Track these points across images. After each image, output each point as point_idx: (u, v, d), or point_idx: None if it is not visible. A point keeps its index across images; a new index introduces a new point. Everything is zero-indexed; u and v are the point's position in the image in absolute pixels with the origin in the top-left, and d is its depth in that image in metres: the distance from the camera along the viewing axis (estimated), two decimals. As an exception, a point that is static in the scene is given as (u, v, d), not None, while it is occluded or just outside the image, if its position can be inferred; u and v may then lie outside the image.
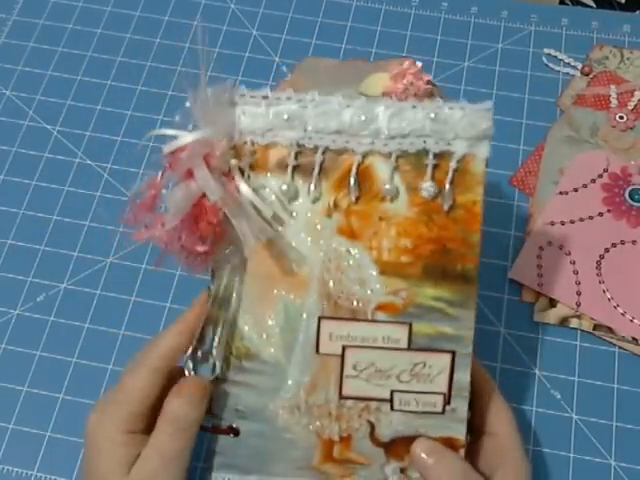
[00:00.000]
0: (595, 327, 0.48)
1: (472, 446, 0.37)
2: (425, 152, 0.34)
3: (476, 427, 0.38)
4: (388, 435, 0.36)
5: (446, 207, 0.34)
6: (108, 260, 0.51)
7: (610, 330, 0.48)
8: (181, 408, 0.34)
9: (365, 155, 0.34)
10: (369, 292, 0.35)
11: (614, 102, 0.55)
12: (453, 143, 0.34)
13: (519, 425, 0.39)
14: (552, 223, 0.51)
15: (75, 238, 0.52)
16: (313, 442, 0.37)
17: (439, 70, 0.58)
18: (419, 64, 0.37)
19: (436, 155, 0.34)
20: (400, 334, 0.35)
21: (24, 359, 0.48)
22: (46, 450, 0.46)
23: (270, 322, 0.35)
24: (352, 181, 0.34)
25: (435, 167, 0.34)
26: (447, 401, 0.35)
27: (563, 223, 0.51)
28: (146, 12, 0.62)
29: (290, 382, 0.36)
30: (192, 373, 0.35)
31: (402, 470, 0.37)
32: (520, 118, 0.55)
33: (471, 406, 0.36)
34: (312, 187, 0.34)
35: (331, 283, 0.35)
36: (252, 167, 0.34)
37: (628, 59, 0.58)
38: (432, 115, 0.33)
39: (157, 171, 0.33)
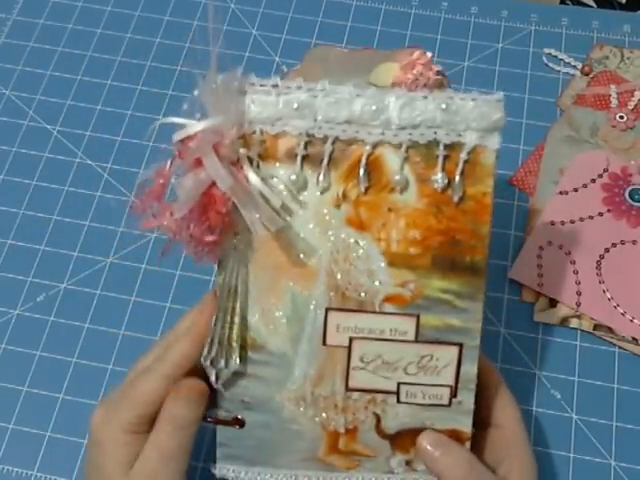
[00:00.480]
0: (595, 327, 0.48)
1: (478, 438, 0.37)
2: (436, 143, 0.33)
3: (482, 419, 0.38)
4: (394, 427, 0.36)
5: (456, 199, 0.34)
6: (108, 260, 0.51)
7: (610, 330, 0.47)
8: (179, 409, 0.35)
9: (375, 145, 0.34)
10: (377, 283, 0.35)
11: (614, 102, 0.55)
12: (464, 134, 0.33)
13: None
14: (552, 223, 0.51)
15: (75, 238, 0.52)
16: (319, 434, 0.37)
17: (439, 70, 0.58)
18: (429, 54, 0.36)
19: (447, 146, 0.33)
20: (408, 326, 0.35)
21: (24, 359, 0.48)
22: (46, 450, 0.46)
23: (277, 313, 0.35)
24: (362, 172, 0.34)
25: (445, 158, 0.34)
26: (454, 394, 0.35)
27: (563, 223, 0.51)
28: (146, 12, 0.62)
29: (296, 373, 0.36)
30: (211, 371, 0.35)
31: (408, 462, 0.37)
32: (520, 118, 0.55)
33: (477, 398, 0.36)
34: (321, 177, 0.34)
35: (339, 274, 0.35)
36: (261, 156, 0.34)
37: (628, 59, 0.57)
38: (443, 106, 0.33)
39: (165, 160, 0.33)
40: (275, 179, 0.34)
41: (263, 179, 0.33)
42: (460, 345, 0.35)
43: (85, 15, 0.62)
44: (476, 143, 0.33)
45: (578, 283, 0.49)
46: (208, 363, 0.35)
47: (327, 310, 0.35)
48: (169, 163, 0.33)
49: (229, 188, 0.31)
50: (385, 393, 0.36)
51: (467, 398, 0.36)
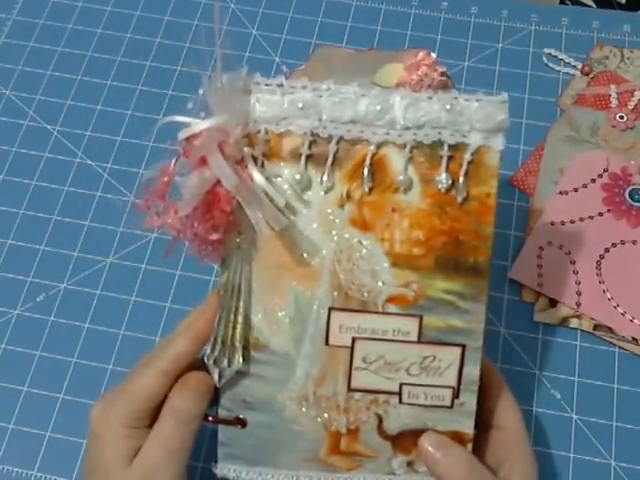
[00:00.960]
0: (595, 327, 0.48)
1: (479, 439, 0.37)
2: (440, 143, 0.34)
3: (483, 421, 0.38)
4: (396, 428, 0.36)
5: (460, 199, 0.34)
6: (108, 260, 0.51)
7: (610, 330, 0.47)
8: (184, 403, 0.35)
9: (379, 145, 0.34)
10: (380, 284, 0.35)
11: (614, 102, 0.55)
12: (468, 135, 0.33)
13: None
14: (552, 223, 0.51)
15: (75, 238, 0.52)
16: (320, 434, 0.37)
17: (439, 70, 0.58)
18: (433, 55, 0.36)
19: (451, 147, 0.34)
20: (410, 327, 0.35)
21: (24, 359, 0.48)
22: (46, 450, 0.46)
23: (280, 313, 0.35)
24: (366, 171, 0.34)
25: (450, 159, 0.34)
26: (456, 395, 0.35)
27: (563, 223, 0.51)
28: (146, 12, 0.62)
29: (299, 373, 0.36)
30: (214, 370, 0.35)
31: (409, 463, 0.37)
32: (520, 118, 0.55)
33: (479, 400, 0.36)
34: (325, 177, 0.34)
35: (342, 274, 0.35)
36: (266, 156, 0.34)
37: (628, 59, 0.57)
38: (448, 106, 0.33)
39: (168, 159, 0.33)
40: (279, 178, 0.34)
41: (267, 178, 0.33)
42: (463, 346, 0.35)
43: (85, 15, 0.62)
44: (480, 144, 0.33)
45: (578, 283, 0.49)
46: (211, 362, 0.35)
47: (330, 310, 0.35)
48: (173, 161, 0.33)
49: (234, 187, 0.32)
50: (387, 394, 0.36)
51: (469, 399, 0.36)
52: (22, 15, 0.62)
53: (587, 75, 0.57)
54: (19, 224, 0.53)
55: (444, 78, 0.36)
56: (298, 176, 0.34)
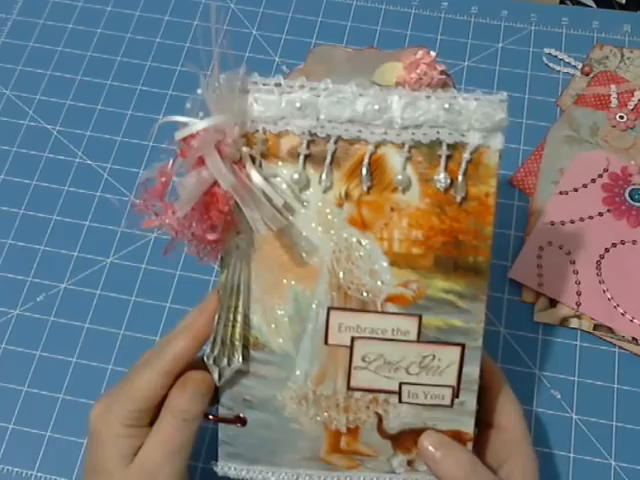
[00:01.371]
0: (595, 327, 0.48)
1: (480, 439, 0.37)
2: (439, 143, 0.33)
3: (484, 420, 0.38)
4: (396, 427, 0.36)
5: (459, 199, 0.34)
6: (108, 260, 0.51)
7: (610, 330, 0.47)
8: (185, 402, 0.35)
9: (378, 145, 0.34)
10: (379, 283, 0.35)
11: (614, 102, 0.55)
12: (467, 134, 0.33)
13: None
14: (552, 223, 0.51)
15: (75, 238, 0.52)
16: (320, 433, 0.37)
17: (439, 70, 0.58)
18: (433, 54, 0.36)
19: (449, 146, 0.33)
20: (410, 326, 0.35)
21: (24, 359, 0.48)
22: (46, 450, 0.46)
23: (279, 312, 0.35)
24: (364, 171, 0.34)
25: (448, 158, 0.34)
26: (456, 394, 0.35)
27: (563, 223, 0.51)
28: (146, 12, 0.62)
29: (298, 372, 0.36)
30: (214, 370, 0.35)
31: (409, 462, 0.37)
32: (520, 118, 0.55)
33: (480, 399, 0.36)
34: (323, 176, 0.34)
35: (341, 274, 0.35)
36: (264, 155, 0.34)
37: (628, 59, 0.57)
38: (446, 105, 0.33)
39: (166, 159, 0.33)
40: (277, 178, 0.34)
41: (265, 178, 0.33)
42: (462, 346, 0.35)
43: (85, 15, 0.62)
44: (479, 143, 0.33)
45: (578, 283, 0.49)
46: (211, 362, 0.35)
47: (329, 309, 0.35)
48: (171, 162, 0.33)
49: (231, 187, 0.32)
50: (387, 393, 0.36)
51: (469, 399, 0.36)
52: (22, 15, 0.62)
53: (587, 75, 0.57)
54: (19, 224, 0.53)
55: (443, 76, 0.36)
56: (296, 176, 0.34)
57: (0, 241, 0.52)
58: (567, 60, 0.58)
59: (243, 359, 0.35)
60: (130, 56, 0.60)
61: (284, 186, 0.34)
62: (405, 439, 0.36)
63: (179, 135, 0.32)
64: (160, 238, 0.52)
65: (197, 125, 0.32)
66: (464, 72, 0.58)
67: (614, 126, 0.54)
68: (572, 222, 0.51)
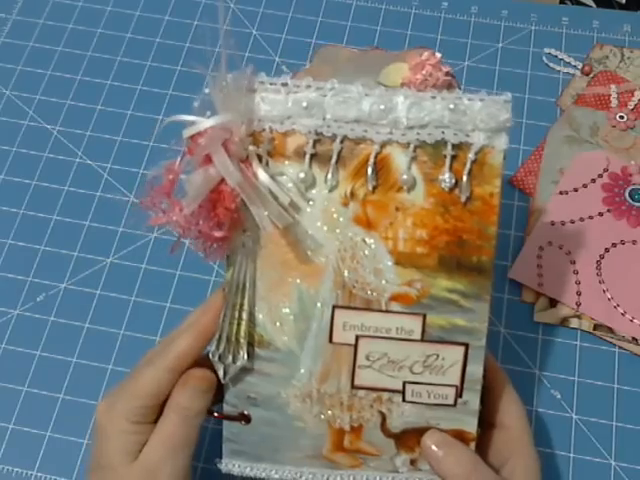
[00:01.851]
0: (595, 327, 0.48)
1: (482, 438, 0.37)
2: (443, 143, 0.34)
3: (487, 419, 0.38)
4: (399, 426, 0.36)
5: (463, 199, 0.34)
6: (108, 260, 0.51)
7: (610, 330, 0.47)
8: (187, 399, 0.35)
9: (383, 145, 0.34)
10: (384, 282, 0.35)
11: (614, 102, 0.55)
12: (472, 134, 0.34)
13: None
14: (552, 223, 0.51)
15: (75, 238, 0.52)
16: (324, 431, 0.37)
17: (439, 70, 0.58)
18: (438, 55, 0.36)
19: (454, 146, 0.34)
20: (414, 325, 0.35)
21: (24, 359, 0.48)
22: (46, 450, 0.46)
23: (284, 310, 0.35)
24: (370, 170, 0.34)
25: (453, 158, 0.34)
26: (459, 394, 0.35)
27: (563, 223, 0.51)
28: (146, 12, 0.62)
29: (302, 370, 0.36)
30: (219, 367, 0.35)
31: (412, 462, 0.37)
32: (520, 118, 0.55)
33: (483, 398, 0.36)
34: (329, 176, 0.34)
35: (346, 272, 0.35)
36: (270, 154, 0.34)
37: (628, 58, 0.57)
38: (451, 106, 0.33)
39: (173, 157, 0.33)
40: (284, 177, 0.34)
41: (272, 176, 0.33)
42: (466, 345, 0.35)
43: (85, 15, 0.62)
44: (483, 143, 0.34)
45: (578, 283, 0.49)
46: (216, 359, 0.35)
47: (334, 308, 0.35)
48: (178, 159, 0.33)
49: (238, 184, 0.32)
50: (391, 392, 0.36)
51: (472, 398, 0.36)
52: (22, 15, 0.62)
53: (587, 75, 0.57)
54: (19, 224, 0.53)
55: (449, 78, 0.36)
56: (302, 174, 0.34)
57: (0, 241, 0.52)
58: (567, 60, 0.58)
59: (248, 356, 0.35)
60: (130, 56, 0.60)
61: (290, 185, 0.34)
62: (408, 438, 0.36)
63: (187, 133, 0.32)
64: (160, 238, 0.52)
65: (205, 123, 0.32)
66: (464, 72, 0.58)
67: (614, 126, 0.54)
68: (572, 222, 0.51)
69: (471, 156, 0.34)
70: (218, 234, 0.33)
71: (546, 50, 0.58)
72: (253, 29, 0.61)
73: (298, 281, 0.35)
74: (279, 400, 0.36)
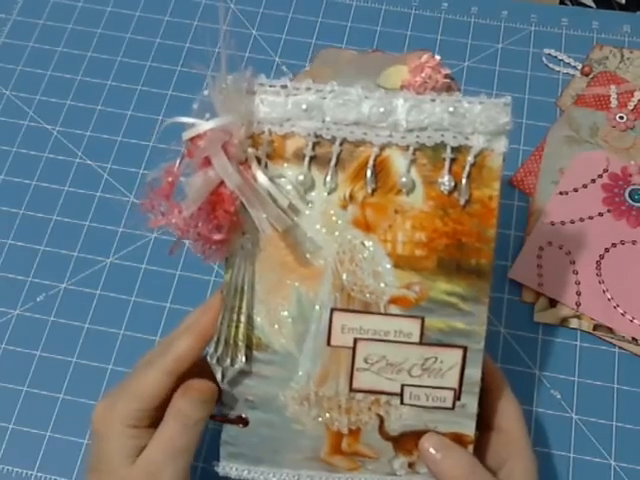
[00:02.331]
0: (595, 327, 0.48)
1: (480, 440, 0.37)
2: (443, 146, 0.34)
3: (485, 421, 0.38)
4: (397, 429, 0.36)
5: (462, 201, 0.34)
6: (108, 260, 0.51)
7: (610, 330, 0.48)
8: (188, 407, 0.35)
9: (383, 147, 0.34)
10: (382, 285, 0.35)
11: (614, 102, 0.55)
12: (471, 137, 0.34)
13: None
14: (552, 223, 0.51)
15: (75, 238, 0.52)
16: (322, 434, 0.37)
17: (439, 70, 0.58)
18: (437, 57, 0.36)
19: (454, 149, 0.34)
20: (412, 328, 0.35)
21: (24, 359, 0.48)
22: (46, 450, 0.46)
23: (283, 312, 0.35)
24: (369, 173, 0.34)
25: (452, 161, 0.34)
26: (457, 397, 0.35)
27: (563, 223, 0.51)
28: (146, 12, 0.62)
29: (300, 373, 0.36)
30: (217, 370, 0.35)
31: (410, 465, 0.37)
32: (520, 118, 0.56)
33: (480, 401, 0.36)
34: (328, 178, 0.34)
35: (345, 275, 0.35)
36: (269, 156, 0.34)
37: (628, 59, 0.58)
38: (451, 109, 0.33)
39: (172, 159, 0.33)
40: (283, 179, 0.34)
41: (271, 179, 0.33)
42: (464, 348, 0.35)
43: (85, 15, 0.62)
44: (483, 146, 0.34)
45: (578, 283, 0.49)
46: (214, 361, 0.35)
47: (332, 310, 0.35)
48: (178, 161, 0.33)
49: (237, 187, 0.32)
50: (389, 394, 0.36)
51: (471, 402, 0.36)
52: (22, 15, 0.62)
53: (587, 75, 0.57)
54: (19, 224, 0.53)
55: (448, 80, 0.36)
56: (301, 177, 0.34)
57: (0, 241, 0.52)
58: (567, 60, 0.58)
59: (246, 359, 0.35)
60: (130, 56, 0.60)
61: (289, 187, 0.34)
62: (406, 441, 0.36)
63: (186, 135, 0.32)
64: (160, 238, 0.52)
65: (204, 125, 0.32)
66: (464, 72, 0.58)
67: (614, 126, 0.54)
68: (572, 222, 0.51)
69: (470, 159, 0.34)
70: (217, 237, 0.33)
71: (546, 51, 0.58)
72: (253, 29, 0.61)
73: (297, 284, 0.35)
74: (277, 402, 0.36)
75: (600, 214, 0.51)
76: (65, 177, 0.55)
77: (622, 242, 0.50)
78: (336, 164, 0.34)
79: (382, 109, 0.33)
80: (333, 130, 0.34)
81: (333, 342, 0.35)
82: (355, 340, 0.35)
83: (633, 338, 0.47)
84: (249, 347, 0.36)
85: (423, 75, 0.35)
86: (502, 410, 0.38)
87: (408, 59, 0.36)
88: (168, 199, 0.33)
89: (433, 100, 0.34)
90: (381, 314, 0.35)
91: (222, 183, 0.32)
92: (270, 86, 0.34)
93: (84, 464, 0.38)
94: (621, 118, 0.54)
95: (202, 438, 0.39)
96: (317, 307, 0.35)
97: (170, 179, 0.33)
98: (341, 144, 0.34)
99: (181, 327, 0.37)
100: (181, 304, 0.50)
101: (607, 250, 0.50)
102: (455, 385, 0.35)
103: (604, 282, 0.49)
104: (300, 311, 0.35)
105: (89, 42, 0.60)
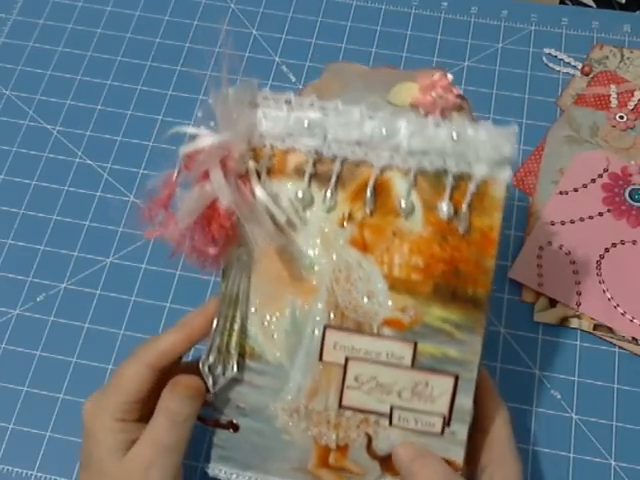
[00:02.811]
0: (595, 327, 0.48)
1: (468, 441, 0.37)
2: (444, 172, 0.33)
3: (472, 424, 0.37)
4: (385, 449, 0.36)
5: (462, 230, 0.33)
6: (108, 260, 0.51)
7: (610, 330, 0.48)
8: (176, 404, 0.35)
9: (383, 169, 0.34)
10: (377, 306, 0.34)
11: (614, 102, 0.55)
12: (474, 165, 0.33)
13: (518, 425, 0.39)
14: (552, 223, 0.51)
15: (75, 238, 0.52)
16: (310, 446, 0.36)
17: (439, 70, 0.58)
18: (450, 76, 0.35)
19: (455, 176, 0.33)
20: (404, 351, 0.35)
21: (24, 359, 0.48)
22: (46, 450, 0.46)
23: (276, 325, 0.35)
24: (368, 194, 0.34)
25: (454, 188, 0.33)
26: (447, 423, 0.35)
27: (563, 223, 0.51)
28: (146, 12, 0.62)
29: (291, 385, 0.36)
30: (209, 377, 0.35)
31: None
32: (520, 118, 0.55)
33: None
34: (328, 196, 0.34)
35: (339, 293, 0.35)
36: (269, 171, 0.34)
37: (628, 59, 0.57)
38: (454, 135, 0.32)
39: (171, 165, 0.33)
40: (282, 194, 0.34)
41: (270, 194, 0.33)
42: (456, 376, 0.34)
43: (85, 15, 0.62)
44: (486, 175, 0.33)
45: (578, 283, 0.49)
46: (206, 369, 0.35)
47: (325, 327, 0.35)
48: (175, 173, 0.33)
49: (231, 204, 0.31)
50: (378, 415, 0.36)
51: (460, 429, 0.35)
52: (22, 15, 0.62)
53: (587, 75, 0.57)
54: (19, 224, 0.53)
55: (459, 100, 0.35)
56: (301, 194, 0.34)
57: (0, 241, 0.52)
58: (567, 60, 0.58)
59: (238, 367, 0.35)
60: (130, 56, 0.60)
61: (288, 203, 0.34)
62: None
63: (184, 151, 0.32)
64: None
65: (203, 141, 0.32)
66: (464, 72, 0.58)
67: (614, 126, 0.54)
68: (572, 222, 0.51)
69: (472, 187, 0.33)
70: (212, 251, 0.33)
71: (546, 50, 0.58)
72: (253, 29, 0.61)
73: (292, 297, 0.35)
74: (267, 412, 0.36)
75: (600, 214, 0.51)
76: (65, 177, 0.55)
77: (622, 242, 0.50)
78: (336, 182, 0.34)
79: (385, 131, 0.33)
80: (334, 148, 0.33)
81: (325, 358, 0.35)
82: (346, 358, 0.35)
83: (633, 338, 0.47)
84: (242, 355, 0.36)
85: (434, 94, 0.34)
86: (488, 413, 0.37)
87: (419, 77, 0.35)
88: (166, 209, 0.33)
89: (437, 125, 0.33)
90: (374, 335, 0.35)
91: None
92: (273, 100, 0.34)
93: (81, 450, 0.38)
94: (621, 118, 0.54)
95: (202, 438, 0.39)
96: (311, 322, 0.35)
97: (167, 191, 0.33)
98: (342, 163, 0.34)
99: (175, 326, 0.37)
100: (181, 304, 0.50)
101: (607, 250, 0.50)
102: (445, 412, 0.35)
103: (604, 282, 0.49)
104: (294, 324, 0.35)
105: (89, 42, 0.60)
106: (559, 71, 0.58)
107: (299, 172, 0.34)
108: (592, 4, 0.64)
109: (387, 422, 0.35)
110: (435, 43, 0.59)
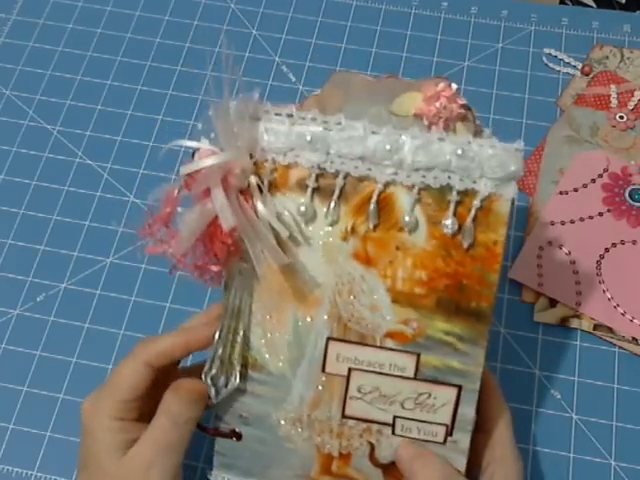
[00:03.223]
0: (595, 327, 0.48)
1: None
2: (449, 188, 0.33)
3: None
4: (388, 457, 0.36)
5: (466, 245, 0.33)
6: (108, 260, 0.51)
7: (610, 330, 0.47)
8: (177, 406, 0.35)
9: (387, 185, 0.33)
10: (380, 319, 0.35)
11: (614, 102, 0.55)
12: (479, 182, 0.33)
13: (518, 425, 0.39)
14: (552, 223, 0.51)
15: (75, 238, 0.52)
16: (313, 454, 0.37)
17: (439, 70, 0.58)
18: (454, 87, 0.35)
19: (460, 192, 0.33)
20: (407, 363, 0.35)
21: (24, 359, 0.48)
22: (46, 450, 0.46)
23: (279, 336, 0.35)
24: (372, 208, 0.34)
25: (458, 203, 0.33)
26: (449, 432, 0.35)
27: (563, 223, 0.51)
28: (146, 12, 0.62)
29: (294, 395, 0.36)
30: (211, 388, 0.36)
31: None
32: (520, 118, 0.55)
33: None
34: (331, 210, 0.34)
35: (342, 306, 0.35)
36: (271, 186, 0.34)
37: (628, 59, 0.57)
38: (459, 152, 0.32)
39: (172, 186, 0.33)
40: (284, 209, 0.34)
41: (272, 209, 0.33)
42: (459, 387, 0.35)
43: (85, 15, 0.62)
44: (491, 191, 0.33)
45: (578, 283, 0.49)
46: (209, 380, 0.35)
47: (328, 339, 0.35)
48: (176, 191, 0.33)
49: (232, 227, 0.31)
50: (380, 424, 0.36)
51: (463, 438, 0.35)
52: (22, 15, 0.62)
53: (587, 75, 0.57)
54: (19, 224, 0.53)
55: (463, 110, 0.35)
56: (303, 208, 0.34)
57: (0, 241, 0.52)
58: (567, 60, 0.58)
59: (241, 378, 0.35)
60: (130, 56, 0.60)
61: (290, 218, 0.34)
62: (396, 469, 0.36)
63: (185, 171, 0.32)
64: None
65: (204, 162, 0.32)
66: (464, 72, 0.58)
67: (614, 126, 0.54)
68: (572, 222, 0.51)
69: (477, 203, 0.33)
70: (214, 268, 0.33)
71: (546, 50, 0.58)
72: (253, 29, 0.61)
73: (294, 309, 0.35)
74: (270, 421, 0.36)
75: (600, 214, 0.51)
76: (65, 177, 0.55)
77: (622, 242, 0.50)
78: (339, 196, 0.34)
79: (388, 146, 0.33)
80: (337, 164, 0.33)
81: (328, 369, 0.35)
82: (349, 369, 0.35)
83: (633, 338, 0.47)
84: (244, 366, 0.36)
85: (438, 105, 0.34)
86: (490, 414, 0.38)
87: (423, 86, 0.35)
88: (167, 226, 0.32)
89: (442, 140, 0.33)
90: (376, 347, 0.35)
91: None
92: (275, 114, 0.33)
93: (80, 450, 0.38)
94: (621, 118, 0.54)
95: (203, 439, 0.39)
96: (313, 334, 0.35)
97: (168, 209, 0.32)
98: (345, 178, 0.34)
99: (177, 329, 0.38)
100: (181, 304, 0.50)
101: (607, 250, 0.50)
102: (447, 422, 0.35)
103: (604, 282, 0.49)
104: (296, 336, 0.35)
105: (89, 42, 0.60)
106: (559, 71, 0.58)
107: (301, 186, 0.34)
108: (592, 4, 0.64)
109: (390, 431, 0.36)
110: (435, 43, 0.59)
